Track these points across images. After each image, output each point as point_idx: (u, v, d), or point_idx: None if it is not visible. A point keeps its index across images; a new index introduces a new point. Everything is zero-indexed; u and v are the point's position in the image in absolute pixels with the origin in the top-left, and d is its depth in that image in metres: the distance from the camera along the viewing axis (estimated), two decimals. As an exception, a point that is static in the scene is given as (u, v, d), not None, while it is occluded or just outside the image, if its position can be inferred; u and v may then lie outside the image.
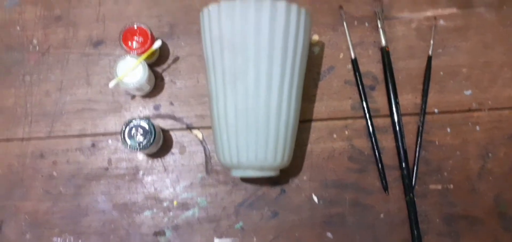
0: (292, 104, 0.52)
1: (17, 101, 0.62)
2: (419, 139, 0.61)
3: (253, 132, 0.50)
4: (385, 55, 0.62)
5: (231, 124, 0.51)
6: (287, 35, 0.50)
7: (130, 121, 0.55)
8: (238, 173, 0.54)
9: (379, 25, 0.63)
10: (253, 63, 0.49)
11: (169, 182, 0.60)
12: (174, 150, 0.61)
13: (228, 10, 0.49)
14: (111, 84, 0.56)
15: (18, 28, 0.64)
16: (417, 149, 0.61)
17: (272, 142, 0.51)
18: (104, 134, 0.61)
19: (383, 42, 0.62)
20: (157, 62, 0.63)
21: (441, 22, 0.64)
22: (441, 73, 0.63)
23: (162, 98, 0.62)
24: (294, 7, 0.50)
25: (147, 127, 0.55)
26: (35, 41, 0.63)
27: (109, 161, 0.61)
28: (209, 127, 0.61)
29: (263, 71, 0.49)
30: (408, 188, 0.59)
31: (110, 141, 0.61)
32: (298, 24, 0.50)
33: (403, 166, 0.60)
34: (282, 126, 0.51)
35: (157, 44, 0.57)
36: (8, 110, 0.62)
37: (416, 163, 0.60)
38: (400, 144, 0.60)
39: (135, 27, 0.58)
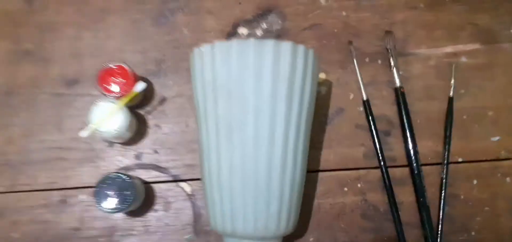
0: (299, 161, 0.44)
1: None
2: (443, 193, 0.54)
3: (252, 195, 0.42)
4: (400, 96, 0.56)
5: (225, 184, 0.42)
6: (293, 82, 0.42)
7: (105, 179, 0.47)
8: None
9: (392, 63, 0.56)
10: (252, 114, 0.41)
11: (152, 245, 0.51)
12: (158, 206, 0.53)
13: (223, 52, 0.41)
14: (84, 133, 0.47)
15: (-19, 64, 0.56)
16: (441, 204, 0.53)
17: (274, 207, 0.42)
18: (76, 188, 0.53)
19: (397, 82, 0.56)
20: (140, 103, 0.55)
21: (463, 59, 0.58)
22: (465, 116, 0.56)
23: (145, 146, 0.54)
24: (300, 49, 0.42)
25: (125, 185, 0.47)
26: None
27: (81, 220, 0.52)
28: (199, 179, 0.53)
29: (265, 123, 0.41)
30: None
31: (83, 197, 0.52)
32: (305, 68, 0.43)
33: (426, 225, 0.53)
34: (286, 188, 0.43)
35: (140, 87, 0.49)
36: (-30, 158, 0.53)
37: (440, 221, 0.53)
38: (421, 199, 0.53)
39: (114, 67, 0.49)
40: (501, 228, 0.53)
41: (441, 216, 0.53)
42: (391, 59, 0.56)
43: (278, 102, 0.41)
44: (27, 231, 0.52)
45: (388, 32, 0.58)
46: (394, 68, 0.56)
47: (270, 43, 0.41)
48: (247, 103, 0.41)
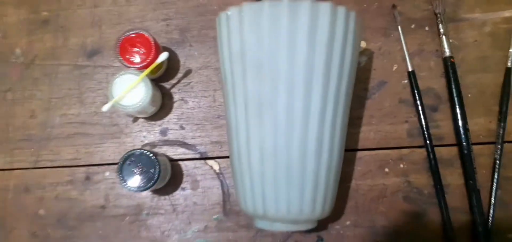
0: (336, 140, 0.40)
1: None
2: (495, 176, 0.49)
3: (284, 177, 0.38)
4: (449, 67, 0.51)
5: (255, 166, 0.39)
6: (332, 50, 0.37)
7: (128, 156, 0.44)
8: (264, 225, 0.42)
9: (441, 30, 0.51)
10: (285, 87, 0.37)
11: (178, 225, 0.49)
12: (185, 184, 0.50)
13: (252, 16, 0.37)
14: (105, 107, 0.45)
15: None
16: (494, 188, 0.49)
17: (309, 190, 0.39)
18: (100, 165, 0.51)
19: (447, 51, 0.51)
20: (164, 76, 0.52)
21: (524, 24, 0.51)
22: (524, 90, 0.50)
23: (171, 121, 0.51)
24: (341, 11, 0.37)
25: (149, 161, 0.44)
26: (18, 51, 0.53)
27: (107, 197, 0.50)
28: (228, 157, 0.50)
29: (299, 98, 0.37)
30: (483, 240, 0.47)
31: (107, 173, 0.50)
32: (346, 33, 0.38)
33: (476, 210, 0.48)
34: (323, 169, 0.39)
35: (163, 57, 0.46)
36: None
37: (492, 206, 0.48)
38: (471, 181, 0.48)
39: (134, 35, 0.46)
40: (562, 215, 0.48)
41: (492, 201, 0.48)
42: (440, 25, 0.51)
43: (315, 72, 0.37)
44: (53, 208, 0.50)
45: (437, -4, 0.52)
46: (444, 36, 0.51)
47: (306, 4, 0.36)
48: (279, 75, 0.37)
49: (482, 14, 0.52)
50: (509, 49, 0.51)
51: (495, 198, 0.48)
